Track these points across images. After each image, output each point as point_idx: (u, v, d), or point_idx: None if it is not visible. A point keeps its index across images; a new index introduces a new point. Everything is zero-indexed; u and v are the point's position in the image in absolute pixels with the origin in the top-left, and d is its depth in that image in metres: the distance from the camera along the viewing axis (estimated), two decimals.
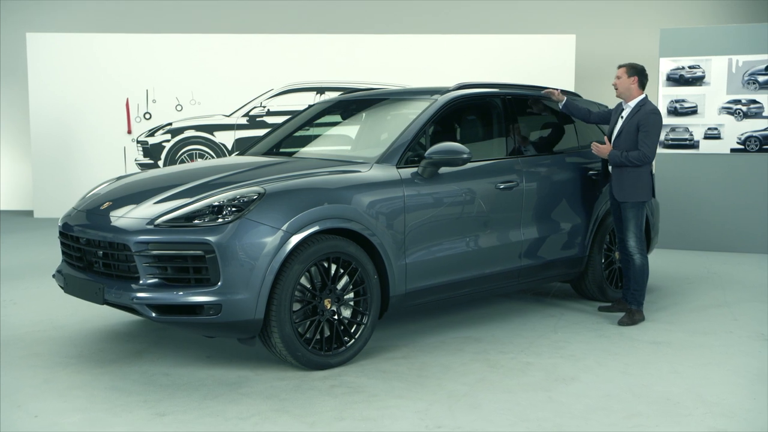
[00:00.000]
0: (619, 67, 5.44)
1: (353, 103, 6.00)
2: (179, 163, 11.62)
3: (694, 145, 8.74)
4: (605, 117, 5.70)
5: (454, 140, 5.33)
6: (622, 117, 5.41)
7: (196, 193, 4.26)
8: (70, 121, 11.78)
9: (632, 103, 5.35)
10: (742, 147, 8.56)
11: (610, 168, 5.45)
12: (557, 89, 5.78)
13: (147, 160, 11.76)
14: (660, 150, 8.80)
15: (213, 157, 11.64)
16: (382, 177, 4.56)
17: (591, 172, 5.80)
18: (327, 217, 4.21)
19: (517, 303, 5.99)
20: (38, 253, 8.34)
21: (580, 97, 6.38)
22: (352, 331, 4.36)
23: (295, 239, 4.06)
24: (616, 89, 5.41)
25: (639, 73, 5.37)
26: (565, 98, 5.71)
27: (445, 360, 4.46)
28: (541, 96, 5.79)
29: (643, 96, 5.37)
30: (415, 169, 4.71)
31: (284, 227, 4.04)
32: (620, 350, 4.71)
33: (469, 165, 4.89)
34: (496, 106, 5.46)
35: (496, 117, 5.46)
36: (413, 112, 5.08)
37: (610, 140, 5.44)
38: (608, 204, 5.82)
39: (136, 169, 11.59)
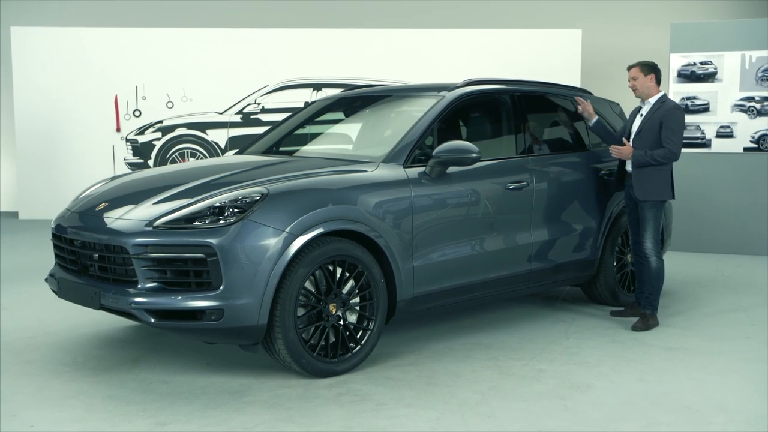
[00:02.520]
0: (631, 67, 5.44)
1: (356, 100, 6.00)
2: (170, 162, 11.60)
3: (706, 144, 8.76)
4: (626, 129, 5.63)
5: (462, 139, 5.34)
6: (641, 115, 5.42)
7: (197, 193, 4.25)
8: (56, 119, 11.75)
9: (652, 101, 5.37)
10: (755, 146, 8.59)
11: (628, 168, 5.44)
12: (588, 103, 5.73)
13: (137, 160, 11.73)
14: None
15: (205, 156, 11.63)
16: (388, 177, 4.56)
17: (603, 172, 5.80)
18: (332, 219, 4.20)
19: (526, 308, 5.99)
20: (26, 255, 8.31)
21: (591, 94, 6.39)
22: (358, 337, 4.35)
23: (300, 242, 4.04)
24: (635, 91, 5.41)
25: (654, 70, 5.40)
26: (597, 118, 5.68)
27: (454, 367, 4.46)
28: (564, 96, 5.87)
29: (662, 93, 5.40)
30: (422, 169, 4.70)
31: (288, 229, 4.03)
32: (635, 356, 4.72)
33: (478, 164, 4.88)
34: (505, 103, 5.46)
35: (506, 114, 5.46)
36: (420, 110, 5.08)
37: (628, 140, 5.43)
38: (620, 205, 5.83)
39: (126, 169, 11.57)
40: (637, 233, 5.47)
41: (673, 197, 5.46)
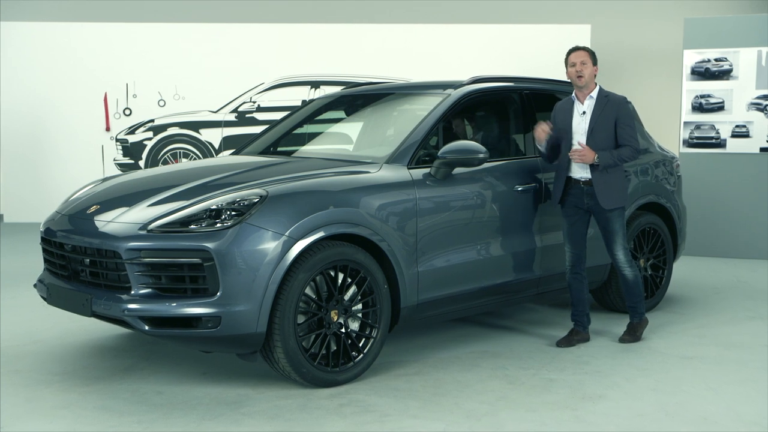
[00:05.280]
0: (577, 49, 5.10)
1: (357, 99, 6.01)
2: (162, 163, 11.61)
3: (721, 144, 8.77)
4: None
5: (468, 138, 5.35)
6: (583, 113, 5.06)
7: (193, 195, 4.26)
8: (42, 118, 11.74)
9: (594, 94, 5.07)
10: None
11: (577, 175, 5.05)
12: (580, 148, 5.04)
13: (127, 160, 11.74)
14: (683, 149, 8.84)
15: (199, 157, 11.64)
16: (392, 178, 4.57)
17: None
18: (333, 222, 4.21)
19: (534, 314, 6.00)
20: (13, 260, 8.30)
21: None
22: (360, 345, 4.35)
23: (300, 246, 4.05)
24: (581, 78, 5.02)
25: (597, 62, 5.13)
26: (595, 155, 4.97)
27: (461, 376, 4.47)
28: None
29: (599, 85, 5.12)
30: (427, 170, 4.72)
31: (288, 233, 4.03)
32: (649, 365, 4.72)
33: (485, 165, 4.89)
34: (513, 102, 5.48)
35: (514, 113, 5.48)
36: (424, 108, 5.10)
37: (563, 143, 5.07)
38: (633, 207, 5.80)
39: (115, 170, 11.57)
40: (580, 246, 5.16)
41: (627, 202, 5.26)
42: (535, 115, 5.50)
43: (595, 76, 5.11)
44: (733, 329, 5.61)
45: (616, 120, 5.03)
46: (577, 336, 5.20)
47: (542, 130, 5.02)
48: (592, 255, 5.60)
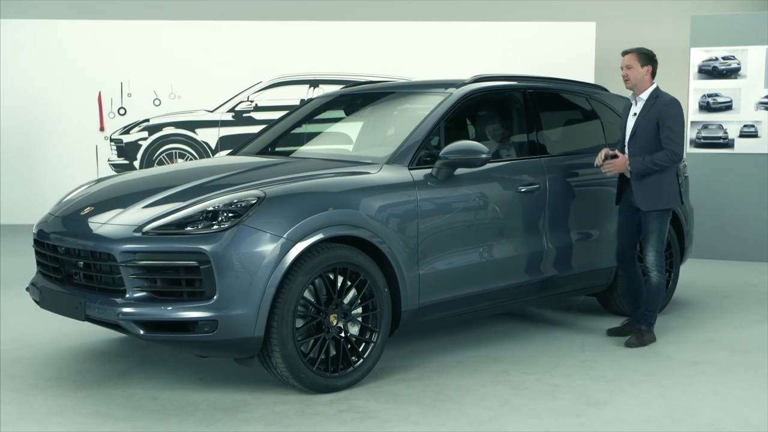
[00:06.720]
0: (626, 53, 5.19)
1: (357, 98, 6.02)
2: (157, 163, 11.62)
3: (729, 144, 8.77)
4: None
5: (471, 138, 5.36)
6: (634, 114, 5.19)
7: (189, 196, 4.26)
8: (35, 117, 11.74)
9: (644, 96, 5.15)
10: None
11: (628, 175, 5.21)
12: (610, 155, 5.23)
13: (121, 161, 11.75)
14: (690, 149, 8.85)
15: (195, 157, 11.64)
16: (393, 179, 4.57)
17: None
18: (333, 224, 4.21)
19: (539, 319, 6.00)
20: (5, 263, 8.31)
21: (606, 90, 6.41)
22: (360, 350, 4.36)
23: (298, 248, 4.05)
24: (627, 81, 5.16)
25: (652, 61, 5.17)
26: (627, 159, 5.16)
27: (463, 382, 4.47)
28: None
29: (654, 86, 5.18)
30: (428, 171, 4.72)
31: (286, 235, 4.04)
32: (655, 371, 4.72)
33: (488, 166, 4.89)
34: (517, 101, 5.49)
35: (517, 113, 5.49)
36: (425, 107, 5.10)
37: (624, 145, 5.22)
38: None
39: (110, 170, 11.57)
40: (624, 243, 5.31)
41: (682, 203, 5.36)
42: (539, 114, 5.50)
43: (654, 76, 5.17)
44: (741, 334, 5.61)
45: (658, 122, 5.07)
46: (630, 327, 5.37)
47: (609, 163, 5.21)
48: (597, 257, 5.63)
